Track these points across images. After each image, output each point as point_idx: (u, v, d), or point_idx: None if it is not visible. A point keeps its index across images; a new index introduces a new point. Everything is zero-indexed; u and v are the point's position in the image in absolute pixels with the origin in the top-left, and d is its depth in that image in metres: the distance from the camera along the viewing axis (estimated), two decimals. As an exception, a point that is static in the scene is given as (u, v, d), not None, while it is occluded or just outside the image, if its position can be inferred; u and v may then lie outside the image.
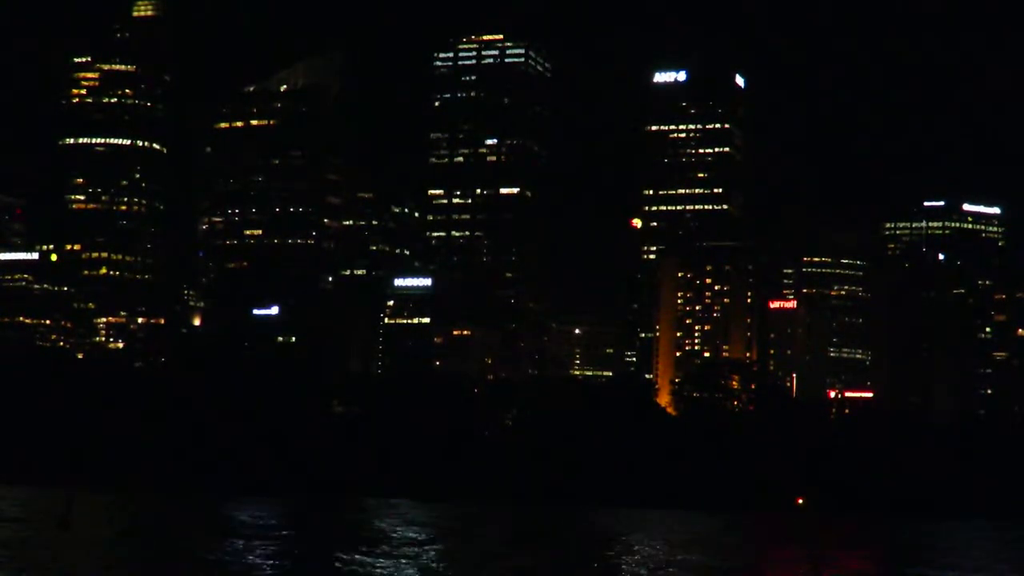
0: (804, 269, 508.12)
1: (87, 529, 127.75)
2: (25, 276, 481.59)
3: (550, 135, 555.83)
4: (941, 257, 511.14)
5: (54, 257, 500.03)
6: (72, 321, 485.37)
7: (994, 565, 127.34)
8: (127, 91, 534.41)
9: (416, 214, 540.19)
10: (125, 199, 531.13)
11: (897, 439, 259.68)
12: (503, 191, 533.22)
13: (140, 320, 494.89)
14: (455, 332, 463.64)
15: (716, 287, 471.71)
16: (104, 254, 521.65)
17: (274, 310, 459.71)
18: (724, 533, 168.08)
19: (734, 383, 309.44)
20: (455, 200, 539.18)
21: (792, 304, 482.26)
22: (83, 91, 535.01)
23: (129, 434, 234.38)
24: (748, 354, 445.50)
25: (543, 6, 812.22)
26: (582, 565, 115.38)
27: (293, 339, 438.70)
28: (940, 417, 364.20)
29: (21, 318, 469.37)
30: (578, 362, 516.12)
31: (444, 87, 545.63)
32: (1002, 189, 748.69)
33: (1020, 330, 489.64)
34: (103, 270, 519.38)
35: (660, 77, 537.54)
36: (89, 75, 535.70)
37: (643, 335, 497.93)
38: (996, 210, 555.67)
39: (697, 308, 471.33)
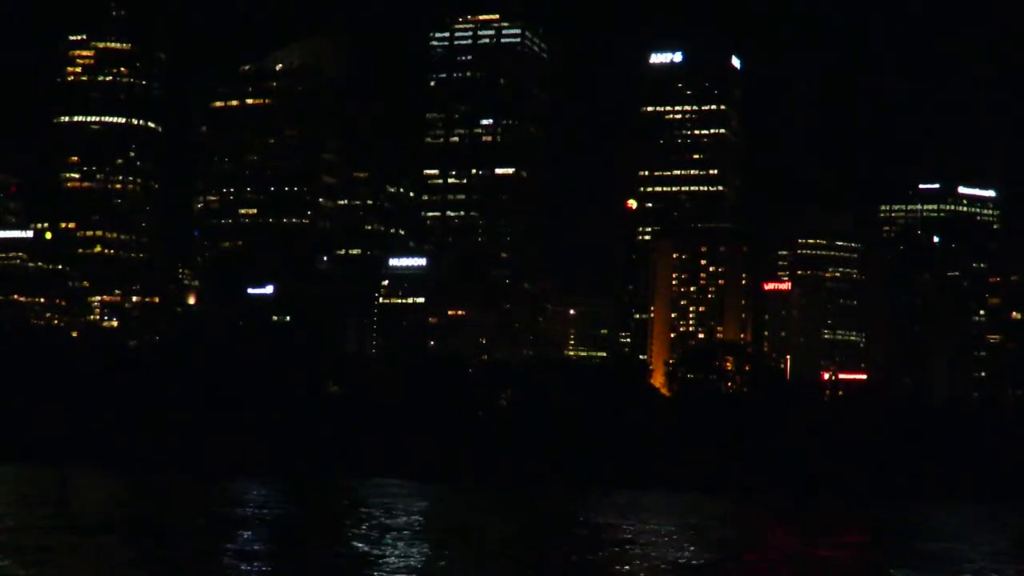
0: (799, 251, 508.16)
1: (84, 509, 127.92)
2: (20, 254, 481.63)
3: (546, 115, 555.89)
4: (936, 240, 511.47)
5: (49, 235, 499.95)
6: (67, 300, 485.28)
7: (987, 547, 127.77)
8: (122, 70, 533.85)
9: (411, 194, 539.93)
10: (120, 178, 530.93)
11: (891, 421, 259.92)
12: (499, 171, 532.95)
13: (135, 299, 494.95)
14: (450, 312, 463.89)
15: (711, 268, 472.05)
16: (99, 233, 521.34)
17: (269, 289, 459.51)
18: (717, 515, 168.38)
19: (728, 364, 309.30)
20: (451, 180, 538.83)
21: (787, 286, 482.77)
22: (78, 69, 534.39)
23: (123, 413, 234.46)
24: (742, 336, 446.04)
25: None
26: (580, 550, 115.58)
27: (288, 319, 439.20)
28: (934, 400, 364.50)
29: (15, 296, 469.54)
30: (573, 343, 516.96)
31: (440, 67, 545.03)
32: (997, 172, 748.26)
33: (1014, 313, 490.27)
34: (98, 249, 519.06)
35: (656, 58, 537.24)
36: (84, 53, 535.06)
37: (638, 316, 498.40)
38: (991, 193, 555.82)
39: (692, 289, 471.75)
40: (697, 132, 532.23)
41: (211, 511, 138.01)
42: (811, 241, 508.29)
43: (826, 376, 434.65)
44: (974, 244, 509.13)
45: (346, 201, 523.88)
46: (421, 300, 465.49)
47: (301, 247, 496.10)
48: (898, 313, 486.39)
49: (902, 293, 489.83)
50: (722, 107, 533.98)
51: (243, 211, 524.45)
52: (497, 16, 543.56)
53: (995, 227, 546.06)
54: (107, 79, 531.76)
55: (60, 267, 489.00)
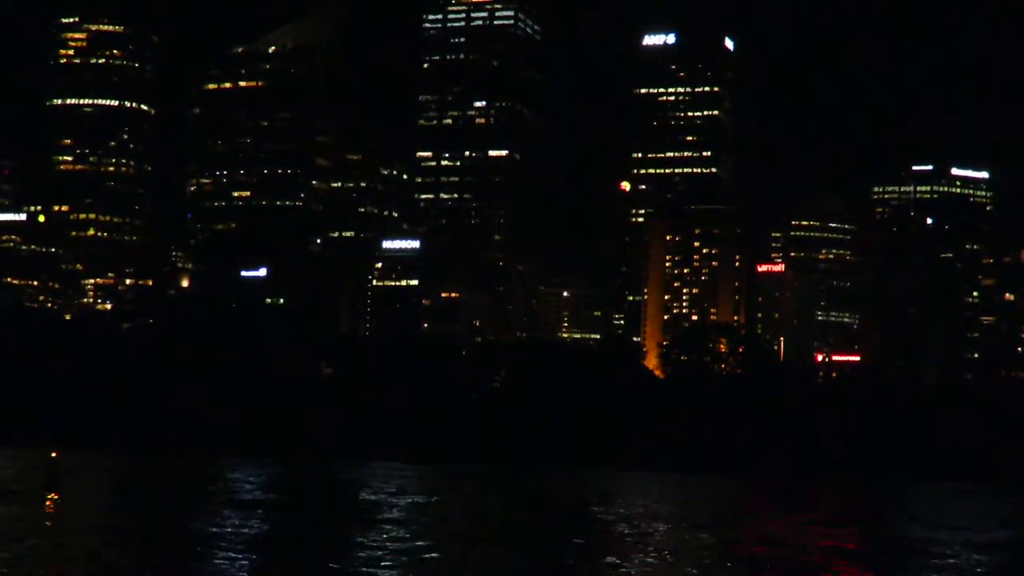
0: (792, 233, 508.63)
1: (74, 490, 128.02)
2: (13, 237, 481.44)
3: (539, 97, 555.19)
4: (929, 221, 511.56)
5: (42, 218, 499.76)
6: (60, 282, 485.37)
7: (977, 526, 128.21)
8: (115, 52, 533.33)
9: (405, 176, 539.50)
10: (113, 160, 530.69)
11: (884, 402, 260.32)
12: (492, 153, 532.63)
13: (128, 281, 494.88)
14: (443, 294, 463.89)
15: (704, 250, 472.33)
16: (92, 215, 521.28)
17: (262, 272, 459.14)
18: (709, 496, 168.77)
19: (721, 346, 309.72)
20: (444, 162, 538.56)
21: (780, 268, 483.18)
22: (71, 51, 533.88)
23: (116, 396, 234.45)
24: (736, 317, 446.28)
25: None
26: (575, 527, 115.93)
27: (281, 301, 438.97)
28: (927, 381, 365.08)
29: (9, 279, 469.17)
30: (566, 325, 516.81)
31: (433, 49, 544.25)
32: (990, 153, 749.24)
33: (1007, 294, 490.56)
34: (91, 231, 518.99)
35: (650, 40, 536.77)
36: (77, 35, 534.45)
37: (631, 298, 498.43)
38: (984, 174, 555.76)
39: (685, 271, 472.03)
40: (690, 114, 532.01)
41: (202, 497, 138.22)
42: (804, 223, 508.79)
43: (819, 357, 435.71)
44: (967, 225, 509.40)
45: (339, 183, 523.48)
46: (414, 282, 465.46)
47: (294, 229, 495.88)
48: (891, 294, 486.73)
49: (895, 274, 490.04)
50: (715, 89, 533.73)
51: (236, 193, 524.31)
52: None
53: (988, 208, 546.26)
54: (100, 61, 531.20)
55: (53, 250, 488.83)
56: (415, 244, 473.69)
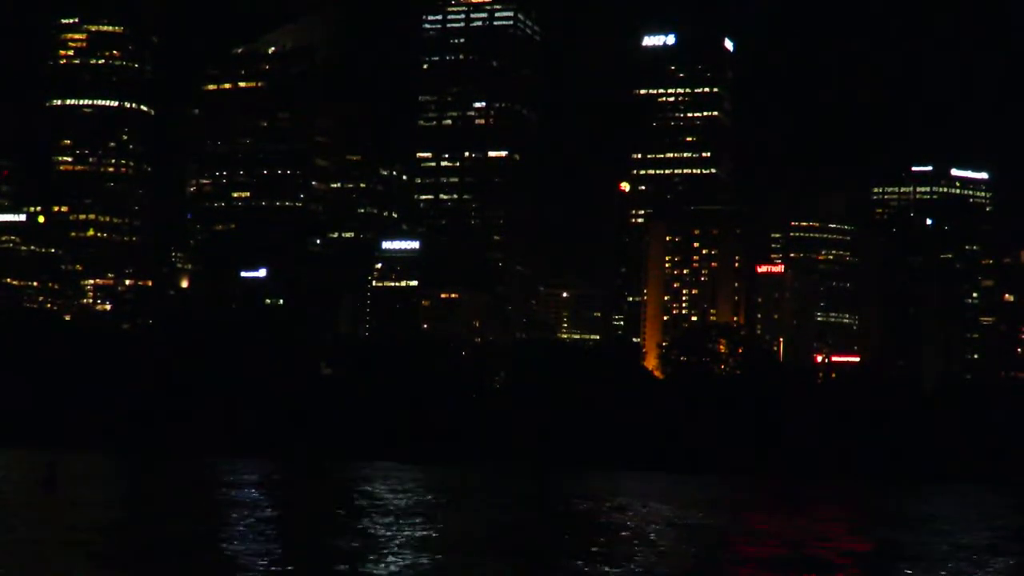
0: (792, 233, 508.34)
1: (72, 491, 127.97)
2: (12, 238, 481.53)
3: (539, 98, 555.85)
4: (929, 222, 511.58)
5: (41, 219, 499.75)
6: (60, 283, 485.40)
7: (977, 529, 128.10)
8: (115, 52, 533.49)
9: (404, 177, 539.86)
10: (112, 161, 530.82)
11: (884, 404, 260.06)
12: (491, 154, 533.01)
13: (128, 282, 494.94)
14: (443, 295, 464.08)
15: (704, 251, 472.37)
16: (91, 216, 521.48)
17: (262, 272, 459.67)
18: (708, 496, 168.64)
19: (721, 347, 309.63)
20: (443, 163, 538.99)
21: (780, 268, 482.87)
22: (70, 52, 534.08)
23: (115, 396, 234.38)
24: (735, 318, 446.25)
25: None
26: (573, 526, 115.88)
27: (280, 301, 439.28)
28: (927, 381, 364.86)
29: (8, 280, 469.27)
30: (565, 326, 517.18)
31: (433, 50, 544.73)
32: (990, 154, 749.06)
33: (1007, 295, 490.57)
34: (90, 232, 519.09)
35: (649, 41, 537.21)
36: (76, 36, 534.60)
37: (631, 299, 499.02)
38: (984, 175, 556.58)
39: (685, 272, 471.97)
40: (690, 114, 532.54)
41: (200, 497, 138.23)
42: (804, 223, 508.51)
43: (819, 358, 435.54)
44: (967, 226, 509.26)
45: (339, 184, 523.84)
46: (414, 283, 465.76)
47: (294, 230, 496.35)
48: (891, 295, 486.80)
49: (895, 275, 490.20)
50: (715, 89, 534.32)
51: (236, 194, 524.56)
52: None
53: (988, 209, 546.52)
54: (99, 62, 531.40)
55: (53, 250, 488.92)
56: (415, 244, 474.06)
